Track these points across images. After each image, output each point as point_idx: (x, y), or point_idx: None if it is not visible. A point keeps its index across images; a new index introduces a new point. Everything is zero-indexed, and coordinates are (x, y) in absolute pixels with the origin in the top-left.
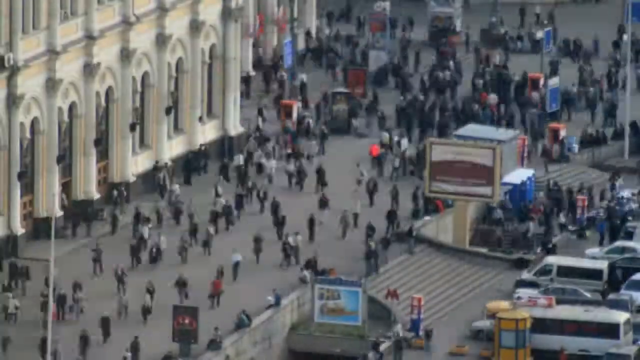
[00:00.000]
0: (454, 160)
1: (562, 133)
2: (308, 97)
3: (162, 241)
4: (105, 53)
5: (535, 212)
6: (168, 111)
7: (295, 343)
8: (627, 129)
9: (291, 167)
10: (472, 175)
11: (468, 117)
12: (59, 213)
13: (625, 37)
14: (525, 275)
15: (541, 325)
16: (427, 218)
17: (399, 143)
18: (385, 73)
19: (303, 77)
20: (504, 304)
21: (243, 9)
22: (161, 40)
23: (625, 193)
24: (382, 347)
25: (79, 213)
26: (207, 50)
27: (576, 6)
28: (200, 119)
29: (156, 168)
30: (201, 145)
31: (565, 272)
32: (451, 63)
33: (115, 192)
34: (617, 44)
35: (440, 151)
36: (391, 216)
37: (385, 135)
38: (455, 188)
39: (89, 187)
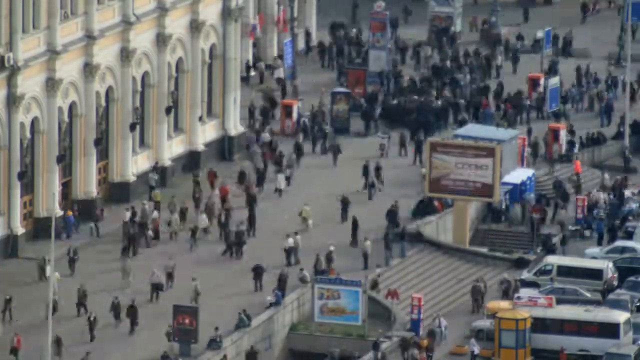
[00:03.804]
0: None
1: (562, 133)
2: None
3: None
4: (105, 53)
5: (536, 211)
6: (168, 111)
7: (295, 343)
8: (628, 129)
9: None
10: (472, 148)
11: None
12: (59, 213)
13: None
14: (525, 275)
15: (541, 325)
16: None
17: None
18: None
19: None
20: (504, 304)
21: (243, 9)
22: (161, 40)
23: (627, 193)
24: (382, 347)
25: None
26: (207, 50)
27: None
28: (200, 119)
29: (154, 168)
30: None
31: (565, 272)
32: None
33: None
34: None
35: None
36: (391, 215)
37: (382, 136)
38: (456, 160)
39: (89, 187)
